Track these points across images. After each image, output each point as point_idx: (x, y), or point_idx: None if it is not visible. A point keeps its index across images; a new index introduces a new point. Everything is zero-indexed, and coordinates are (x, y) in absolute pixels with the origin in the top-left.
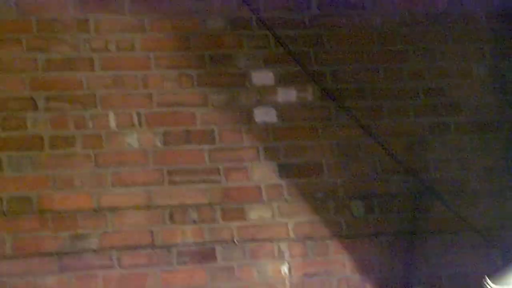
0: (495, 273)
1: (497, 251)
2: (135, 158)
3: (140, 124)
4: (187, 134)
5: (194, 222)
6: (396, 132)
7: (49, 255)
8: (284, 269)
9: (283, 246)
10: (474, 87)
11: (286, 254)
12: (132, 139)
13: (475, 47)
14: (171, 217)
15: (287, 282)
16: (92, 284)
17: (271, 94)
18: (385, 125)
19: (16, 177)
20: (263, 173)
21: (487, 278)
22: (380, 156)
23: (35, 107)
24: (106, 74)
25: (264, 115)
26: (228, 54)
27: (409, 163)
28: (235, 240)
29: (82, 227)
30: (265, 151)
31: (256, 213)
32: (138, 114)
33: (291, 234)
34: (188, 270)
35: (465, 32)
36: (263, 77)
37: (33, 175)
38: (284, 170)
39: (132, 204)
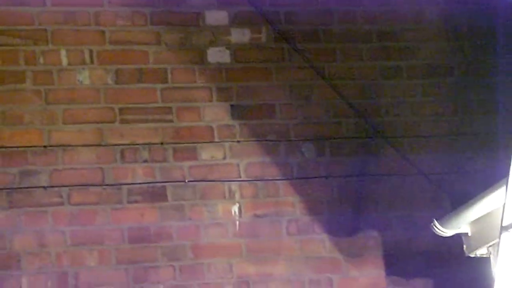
0: (443, 216)
1: (445, 194)
2: (87, 96)
3: (92, 61)
4: (139, 73)
5: (145, 161)
6: (349, 75)
7: None
8: (235, 209)
9: (234, 186)
10: (427, 31)
11: (237, 195)
12: (84, 76)
13: None
14: (122, 155)
15: (237, 222)
16: (41, 220)
17: (224, 34)
18: (338, 68)
19: None
20: (215, 113)
21: (435, 221)
22: (332, 99)
23: None
24: (57, 10)
25: (217, 55)
26: None
27: (361, 107)
28: (186, 180)
29: (32, 164)
30: (218, 92)
31: (207, 153)
32: (90, 51)
33: (242, 175)
34: (139, 209)
35: None
36: (217, 17)
37: None
38: (237, 111)
39: (82, 142)
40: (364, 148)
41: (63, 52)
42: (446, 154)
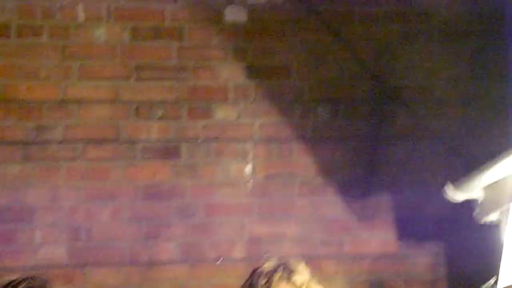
0: (456, 181)
1: (459, 159)
2: (103, 52)
3: (109, 17)
4: (155, 30)
5: (160, 118)
6: (365, 37)
7: (13, 144)
8: (248, 169)
9: (248, 146)
10: None
11: (250, 155)
12: (100, 33)
13: None
14: (137, 112)
15: (249, 182)
16: (55, 175)
17: None
18: (354, 30)
19: None
20: (230, 73)
21: (448, 186)
22: (348, 61)
23: None
24: None
25: (234, 14)
26: None
27: (377, 69)
28: (199, 139)
29: (47, 118)
30: (234, 51)
31: (222, 113)
32: (107, 8)
33: (256, 135)
34: (152, 166)
35: None
36: None
37: None
38: (252, 71)
39: (98, 98)
40: (378, 111)
41: (80, 8)
42: (461, 118)
